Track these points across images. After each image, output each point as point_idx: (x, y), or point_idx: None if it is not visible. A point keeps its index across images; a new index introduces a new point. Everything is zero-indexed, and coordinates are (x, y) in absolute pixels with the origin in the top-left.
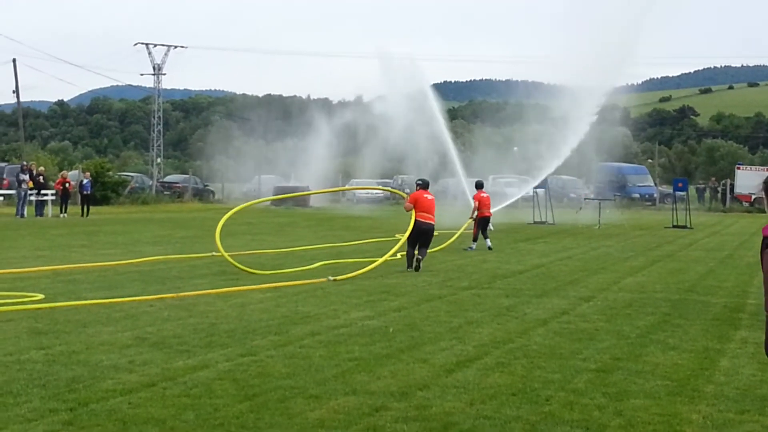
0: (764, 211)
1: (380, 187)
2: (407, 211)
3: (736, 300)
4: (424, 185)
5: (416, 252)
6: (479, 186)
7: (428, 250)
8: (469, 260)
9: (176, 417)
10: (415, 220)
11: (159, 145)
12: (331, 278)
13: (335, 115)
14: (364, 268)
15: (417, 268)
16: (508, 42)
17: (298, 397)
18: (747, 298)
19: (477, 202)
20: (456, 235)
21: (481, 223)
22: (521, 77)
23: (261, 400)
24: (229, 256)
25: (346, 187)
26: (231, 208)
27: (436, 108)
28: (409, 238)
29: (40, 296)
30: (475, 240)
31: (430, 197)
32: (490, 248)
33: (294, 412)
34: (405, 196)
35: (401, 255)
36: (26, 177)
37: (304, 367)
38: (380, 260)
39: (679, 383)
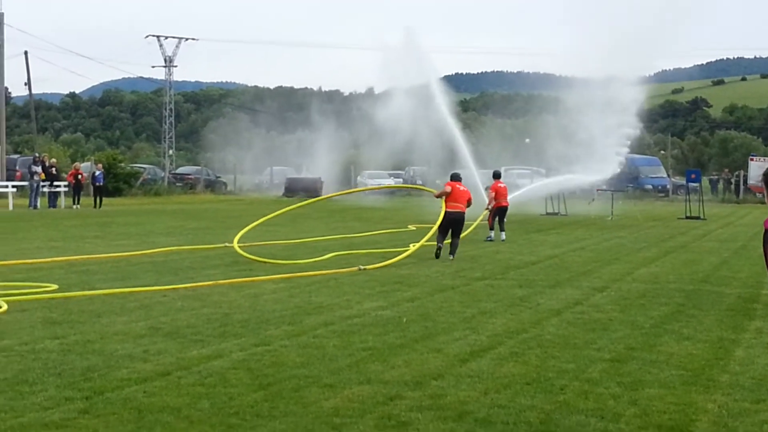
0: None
1: (419, 186)
2: (437, 197)
3: (750, 290)
4: (457, 177)
5: (445, 242)
6: (497, 176)
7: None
8: (482, 251)
9: (191, 406)
10: (446, 210)
11: (171, 137)
12: (361, 267)
13: (346, 107)
14: (390, 258)
15: (437, 256)
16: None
17: (313, 386)
18: (761, 289)
19: (494, 192)
20: (473, 226)
21: (498, 212)
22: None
23: (275, 389)
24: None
25: (389, 185)
26: (243, 200)
27: (442, 101)
28: (440, 226)
29: (54, 287)
30: (491, 229)
31: (462, 188)
32: (503, 240)
33: (308, 401)
34: (434, 191)
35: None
36: (38, 169)
37: (318, 356)
38: (412, 249)
39: (693, 373)
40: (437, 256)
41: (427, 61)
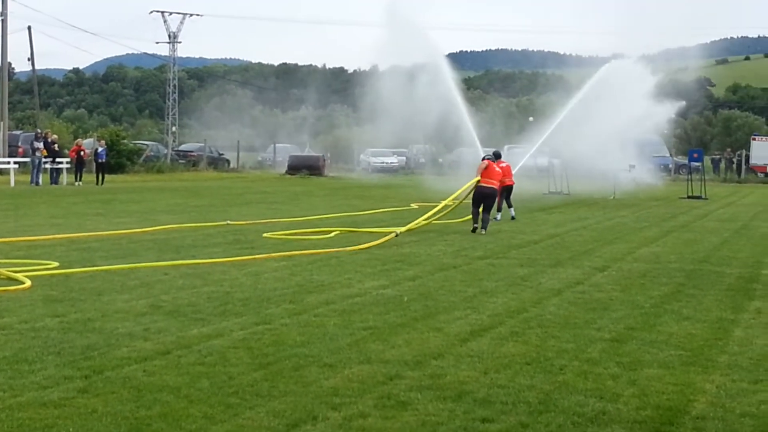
0: None
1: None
2: (477, 173)
3: (750, 270)
4: (497, 156)
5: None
6: (497, 156)
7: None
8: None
9: (191, 385)
10: (479, 185)
11: (174, 114)
12: (398, 232)
13: (351, 85)
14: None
15: (474, 231)
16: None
17: (313, 365)
18: (761, 269)
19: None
20: (454, 195)
21: (504, 192)
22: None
23: (275, 368)
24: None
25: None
26: (245, 177)
27: (450, 78)
28: (473, 200)
29: (55, 264)
30: (499, 210)
31: (498, 168)
32: (513, 217)
33: (308, 381)
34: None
35: (418, 222)
36: (40, 145)
37: (319, 335)
38: (441, 204)
39: (692, 353)
40: (474, 231)
41: (431, 38)
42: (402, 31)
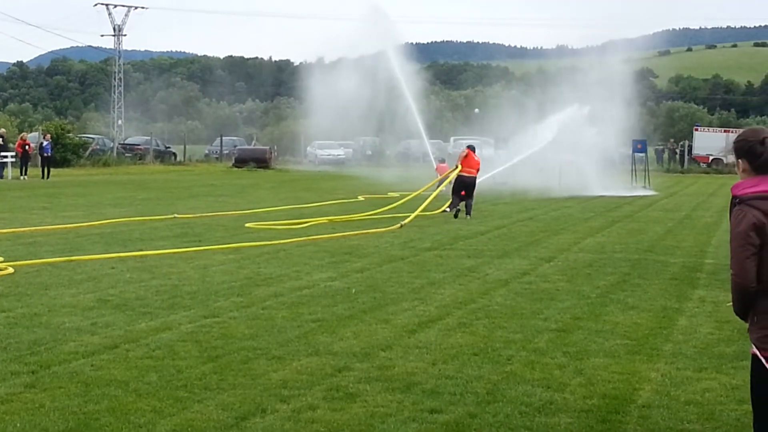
0: (722, 172)
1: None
2: (457, 162)
3: (693, 260)
4: (473, 148)
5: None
6: (472, 149)
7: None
8: (431, 221)
9: (139, 379)
10: (459, 174)
11: (120, 107)
12: (402, 223)
13: (297, 77)
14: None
15: (456, 216)
16: (470, 3)
17: (261, 358)
18: (705, 258)
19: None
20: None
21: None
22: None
23: (224, 361)
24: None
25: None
26: (192, 170)
27: (398, 69)
28: (454, 189)
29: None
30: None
31: (477, 157)
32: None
33: (257, 373)
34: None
35: (402, 225)
36: None
37: (267, 328)
38: (433, 195)
39: (638, 342)
40: (456, 216)
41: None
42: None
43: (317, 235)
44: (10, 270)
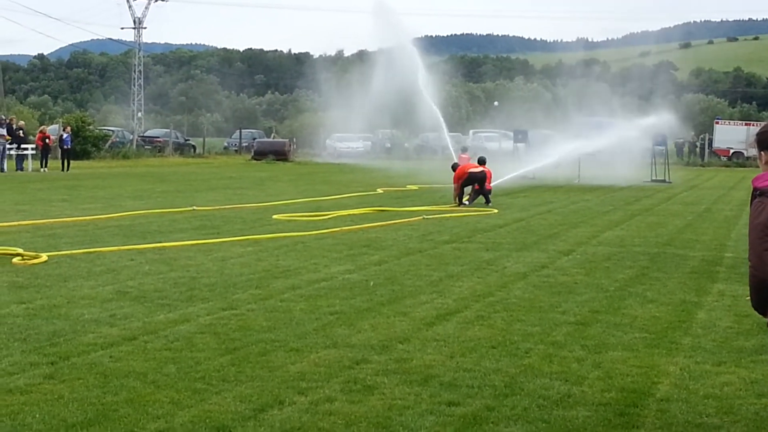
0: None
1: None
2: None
3: (713, 253)
4: (481, 162)
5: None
6: (482, 162)
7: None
8: (449, 214)
9: (157, 370)
10: (469, 172)
11: (140, 100)
12: (426, 217)
13: (317, 70)
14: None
15: (460, 204)
16: None
17: (279, 350)
18: (724, 252)
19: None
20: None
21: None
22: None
23: (242, 353)
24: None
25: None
26: (211, 163)
27: (419, 63)
28: (464, 183)
29: (19, 250)
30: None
31: (487, 170)
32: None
33: (275, 366)
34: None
35: (423, 217)
36: (3, 131)
37: (285, 320)
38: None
39: (656, 336)
40: (459, 204)
41: (399, 22)
42: (376, 15)
43: (335, 228)
44: (44, 258)
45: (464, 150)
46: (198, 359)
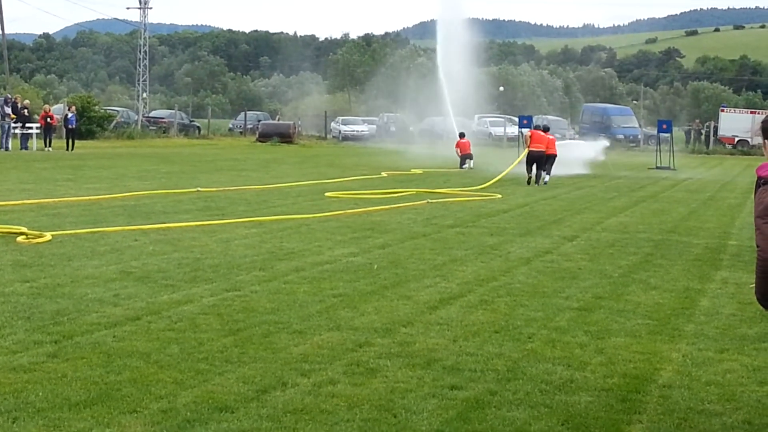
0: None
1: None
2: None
3: (717, 241)
4: (543, 128)
5: (533, 173)
6: (546, 129)
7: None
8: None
9: (161, 350)
10: (529, 149)
11: (145, 80)
12: (429, 201)
13: (322, 52)
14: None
15: (528, 182)
16: None
17: (282, 332)
18: (728, 239)
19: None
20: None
21: (548, 160)
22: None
23: (245, 334)
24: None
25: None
26: (216, 144)
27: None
28: (526, 161)
29: (23, 228)
30: (548, 174)
31: (546, 137)
32: (545, 183)
33: (278, 347)
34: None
35: (428, 201)
36: (9, 110)
37: (288, 302)
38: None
39: (659, 322)
40: (528, 183)
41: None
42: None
43: (339, 211)
44: (48, 237)
45: (462, 135)
46: (201, 340)
